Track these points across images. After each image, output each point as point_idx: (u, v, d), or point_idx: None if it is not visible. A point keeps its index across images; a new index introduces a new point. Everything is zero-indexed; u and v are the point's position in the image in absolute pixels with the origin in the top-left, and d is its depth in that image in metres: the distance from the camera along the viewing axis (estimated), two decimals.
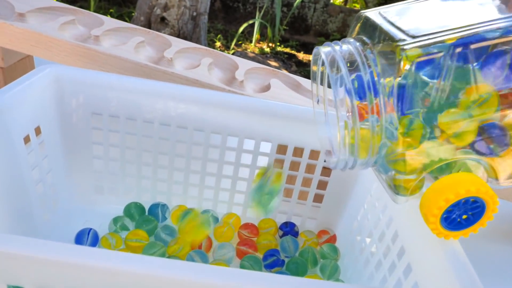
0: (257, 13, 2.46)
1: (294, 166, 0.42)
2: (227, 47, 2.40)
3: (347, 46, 0.26)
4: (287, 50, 2.56)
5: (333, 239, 0.43)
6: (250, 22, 2.41)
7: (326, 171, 0.42)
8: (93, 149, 0.41)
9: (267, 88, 0.48)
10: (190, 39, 1.96)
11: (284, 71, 0.53)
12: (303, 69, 2.33)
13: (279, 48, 2.55)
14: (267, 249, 0.40)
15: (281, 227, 0.44)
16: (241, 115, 0.39)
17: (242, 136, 0.40)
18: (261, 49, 2.48)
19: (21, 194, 0.34)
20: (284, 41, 2.63)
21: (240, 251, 0.40)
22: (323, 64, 0.29)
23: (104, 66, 0.43)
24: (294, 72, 1.89)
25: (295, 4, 2.48)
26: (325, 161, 0.41)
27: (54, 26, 0.47)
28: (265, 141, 0.40)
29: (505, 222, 0.52)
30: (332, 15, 2.59)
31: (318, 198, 0.44)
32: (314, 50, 0.29)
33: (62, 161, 0.40)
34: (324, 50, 0.27)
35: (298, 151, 0.41)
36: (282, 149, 0.41)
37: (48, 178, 0.38)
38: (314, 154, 0.41)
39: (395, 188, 0.26)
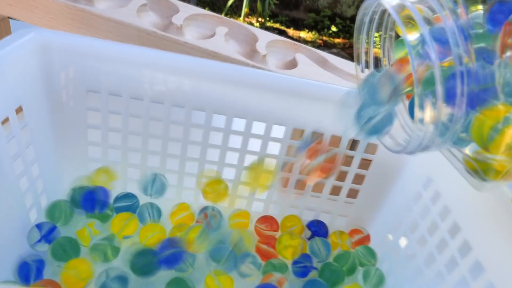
0: None
1: None
2: None
3: None
4: (277, 25, 2.47)
5: (366, 239, 0.38)
6: None
7: (365, 163, 0.36)
8: (88, 134, 0.34)
9: (291, 64, 0.41)
10: None
11: (305, 45, 0.46)
12: None
13: (268, 24, 2.46)
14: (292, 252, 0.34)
15: (309, 226, 0.38)
16: (272, 95, 0.32)
17: (270, 122, 0.33)
18: (250, 24, 2.38)
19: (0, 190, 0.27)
20: (273, 16, 2.53)
21: (261, 251, 0.34)
22: (370, 22, 0.23)
23: (100, 33, 0.35)
24: None
25: None
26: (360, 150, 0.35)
27: None
28: (298, 127, 0.34)
29: None
30: None
31: (352, 194, 0.38)
32: (365, 3, 0.22)
33: (51, 149, 0.33)
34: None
35: (336, 140, 0.35)
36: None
37: (34, 170, 0.30)
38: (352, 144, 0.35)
39: (483, 172, 0.21)
